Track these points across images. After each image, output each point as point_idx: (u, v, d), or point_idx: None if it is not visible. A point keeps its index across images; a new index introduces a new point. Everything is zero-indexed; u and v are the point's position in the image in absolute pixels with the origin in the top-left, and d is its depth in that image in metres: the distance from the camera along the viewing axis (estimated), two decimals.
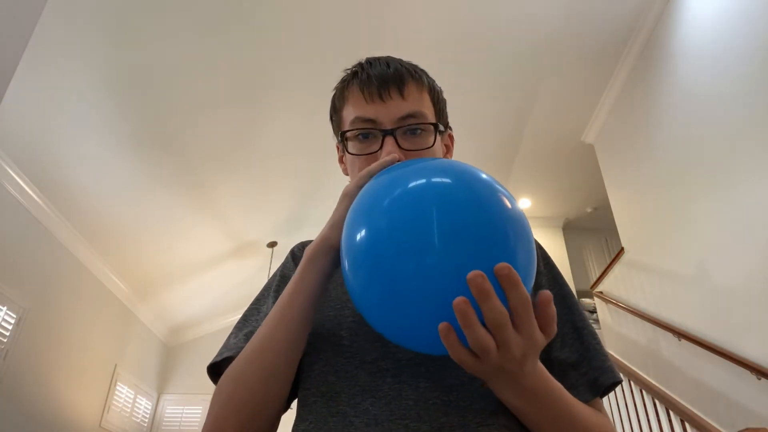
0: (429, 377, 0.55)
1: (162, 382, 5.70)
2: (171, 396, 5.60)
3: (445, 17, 3.40)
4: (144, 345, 5.33)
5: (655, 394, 3.17)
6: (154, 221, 4.28)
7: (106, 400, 4.45)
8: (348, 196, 0.57)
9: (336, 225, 0.56)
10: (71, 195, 3.69)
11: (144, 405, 5.23)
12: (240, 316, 0.71)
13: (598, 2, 3.48)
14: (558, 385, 0.52)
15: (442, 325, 0.41)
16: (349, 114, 0.67)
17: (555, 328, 0.44)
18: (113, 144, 3.51)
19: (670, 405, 3.00)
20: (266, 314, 0.64)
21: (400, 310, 0.46)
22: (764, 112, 2.63)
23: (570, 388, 0.56)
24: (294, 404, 0.64)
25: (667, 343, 3.48)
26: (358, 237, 0.49)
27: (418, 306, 0.45)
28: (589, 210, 6.22)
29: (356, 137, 0.66)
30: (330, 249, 0.57)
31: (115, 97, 3.24)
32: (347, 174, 0.73)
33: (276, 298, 0.67)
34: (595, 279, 5.05)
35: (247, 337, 0.62)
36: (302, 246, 0.76)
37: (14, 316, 3.31)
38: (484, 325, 0.41)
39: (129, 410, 4.88)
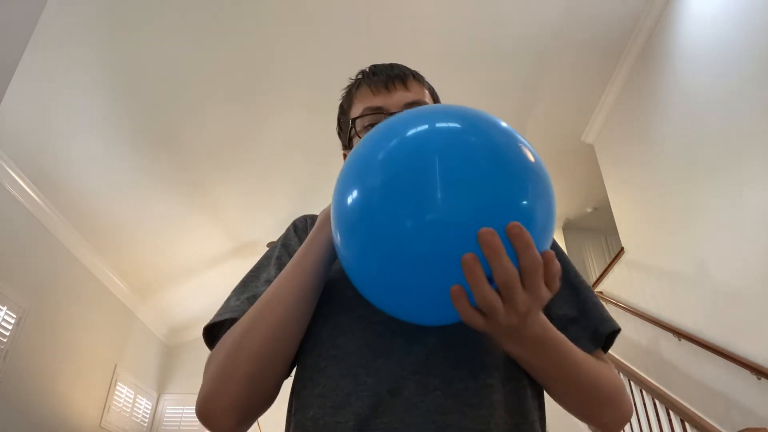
0: (437, 333, 0.56)
1: (162, 382, 5.70)
2: (171, 396, 5.60)
3: (445, 17, 3.40)
4: (144, 345, 5.32)
5: (655, 394, 3.16)
6: (155, 221, 4.27)
7: (106, 400, 4.45)
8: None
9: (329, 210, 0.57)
10: (71, 195, 3.69)
11: (144, 405, 5.23)
12: None
13: (599, 3, 3.48)
14: (560, 334, 0.52)
15: (455, 287, 0.40)
16: (356, 110, 0.71)
17: (558, 283, 0.44)
18: (113, 144, 3.51)
19: (670, 405, 2.99)
20: (267, 280, 0.64)
21: (400, 278, 0.42)
22: (764, 112, 2.63)
23: (572, 341, 0.57)
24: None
25: (667, 343, 3.48)
26: (349, 200, 0.44)
27: (420, 270, 0.41)
28: (589, 210, 6.22)
29: (365, 127, 0.68)
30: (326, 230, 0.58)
31: (116, 97, 3.24)
32: None
33: (278, 265, 0.67)
34: (595, 279, 5.05)
35: (250, 300, 0.61)
36: (304, 219, 0.77)
37: (14, 316, 3.31)
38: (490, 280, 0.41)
39: (129, 410, 4.88)
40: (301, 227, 0.76)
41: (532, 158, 0.43)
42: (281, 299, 0.56)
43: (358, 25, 3.31)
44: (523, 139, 0.44)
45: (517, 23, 3.54)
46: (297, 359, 0.61)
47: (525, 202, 0.41)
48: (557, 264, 0.43)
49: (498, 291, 0.41)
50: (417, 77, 0.72)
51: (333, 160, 4.21)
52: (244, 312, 0.58)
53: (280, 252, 0.70)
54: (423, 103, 0.68)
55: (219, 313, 0.61)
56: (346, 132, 0.73)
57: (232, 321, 0.59)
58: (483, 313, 0.43)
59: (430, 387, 0.53)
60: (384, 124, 0.48)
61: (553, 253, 0.42)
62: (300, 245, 0.70)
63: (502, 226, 0.39)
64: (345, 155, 0.76)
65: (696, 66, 3.21)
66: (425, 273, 0.41)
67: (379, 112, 0.67)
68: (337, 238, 0.47)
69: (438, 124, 0.44)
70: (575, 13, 3.50)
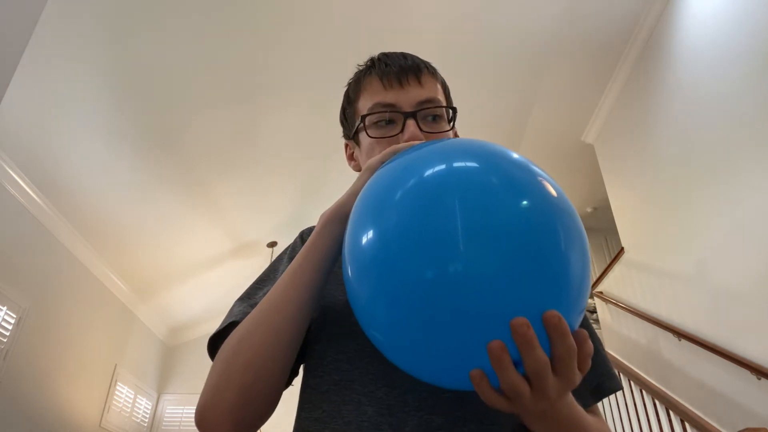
0: None
1: (162, 382, 5.70)
2: (171, 396, 5.60)
3: (446, 17, 3.40)
4: (144, 345, 5.32)
5: (655, 394, 3.16)
6: (155, 221, 4.27)
7: (106, 400, 4.45)
8: (370, 170, 0.54)
9: (354, 193, 0.54)
10: (71, 195, 3.69)
11: (144, 405, 5.23)
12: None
13: (599, 2, 3.48)
14: (581, 410, 0.50)
15: (475, 373, 0.37)
16: (366, 102, 0.66)
17: (590, 364, 0.41)
18: (113, 144, 3.51)
19: (670, 405, 3.00)
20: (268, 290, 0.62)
21: (410, 336, 0.38)
22: (764, 111, 2.63)
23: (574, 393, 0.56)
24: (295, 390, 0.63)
25: (667, 343, 3.48)
26: (364, 238, 0.40)
27: (434, 336, 0.37)
28: (589, 210, 6.22)
29: (375, 123, 0.65)
30: (345, 216, 0.54)
31: (115, 97, 3.24)
32: (359, 170, 0.71)
33: (281, 270, 0.66)
34: (595, 279, 5.05)
35: (253, 307, 0.60)
36: (311, 230, 0.74)
37: (14, 316, 3.31)
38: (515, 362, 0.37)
39: (129, 410, 4.88)
40: (305, 237, 0.74)
41: (557, 195, 0.39)
42: (278, 307, 0.54)
43: (358, 24, 3.30)
44: (546, 175, 0.40)
45: (517, 23, 3.54)
46: (302, 378, 0.60)
47: (558, 252, 0.37)
48: (590, 345, 0.40)
49: (526, 376, 0.38)
50: (430, 70, 0.68)
51: (333, 160, 4.21)
52: (245, 316, 0.58)
53: (286, 265, 0.68)
54: (436, 101, 0.65)
55: (224, 321, 0.61)
56: (352, 124, 0.70)
57: (234, 326, 0.58)
58: (508, 396, 0.39)
59: (433, 426, 0.51)
60: (401, 161, 0.45)
61: (586, 333, 0.39)
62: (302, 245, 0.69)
63: (533, 305, 0.35)
64: (347, 145, 0.74)
65: (696, 66, 3.21)
66: (440, 339, 0.37)
67: (392, 110, 0.64)
68: (348, 272, 0.43)
69: (458, 163, 0.41)
70: (575, 12, 3.50)
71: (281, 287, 0.56)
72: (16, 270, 3.36)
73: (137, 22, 2.91)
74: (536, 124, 4.61)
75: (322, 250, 0.56)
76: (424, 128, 0.63)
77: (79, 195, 3.72)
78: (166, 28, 3.00)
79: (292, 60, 3.41)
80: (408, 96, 0.64)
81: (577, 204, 6.12)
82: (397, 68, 0.65)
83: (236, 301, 0.65)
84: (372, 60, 0.70)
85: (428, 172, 0.40)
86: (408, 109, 0.63)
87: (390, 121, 0.64)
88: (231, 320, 0.59)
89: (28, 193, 3.43)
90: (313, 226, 0.73)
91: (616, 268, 4.42)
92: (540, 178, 0.40)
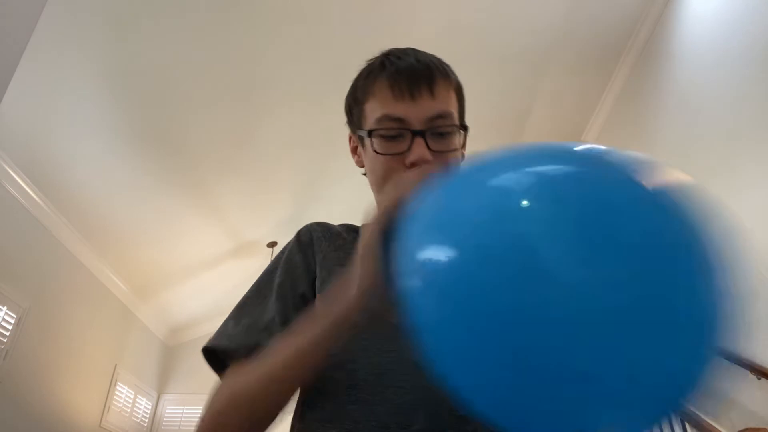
0: None
1: (162, 382, 5.70)
2: (171, 396, 5.60)
3: (445, 17, 3.40)
4: (144, 345, 5.32)
5: None
6: (154, 221, 4.27)
7: (106, 400, 4.45)
8: (370, 248, 0.47)
9: (365, 290, 0.47)
10: (71, 195, 3.69)
11: (144, 405, 5.23)
12: None
13: (599, 3, 3.48)
14: None
15: None
16: (374, 110, 0.62)
17: None
18: (113, 143, 3.51)
19: None
20: (266, 324, 0.60)
21: (488, 370, 0.31)
22: (765, 112, 2.63)
23: None
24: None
25: None
26: (444, 255, 0.33)
27: (538, 370, 0.29)
28: None
29: (382, 136, 0.61)
30: (357, 319, 0.49)
31: (115, 97, 3.24)
32: (361, 166, 0.69)
33: (280, 297, 0.62)
34: None
35: (247, 330, 0.60)
36: (308, 230, 0.71)
37: (14, 316, 3.30)
38: None
39: (129, 410, 4.88)
40: (306, 241, 0.69)
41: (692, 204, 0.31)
42: (262, 399, 0.53)
43: (357, 24, 3.31)
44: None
45: (517, 23, 3.54)
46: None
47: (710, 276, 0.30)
48: None
49: None
50: (443, 73, 0.64)
51: (333, 160, 4.21)
52: (240, 344, 0.57)
53: (282, 278, 0.65)
54: (448, 115, 0.61)
55: (217, 337, 0.60)
56: (358, 124, 0.66)
57: (229, 352, 0.58)
58: None
59: (441, 423, 0.51)
60: (482, 167, 0.38)
61: None
62: (304, 265, 0.65)
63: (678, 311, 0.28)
64: (350, 138, 0.71)
65: (696, 66, 3.21)
66: (546, 372, 0.29)
67: (401, 126, 0.60)
68: (411, 284, 0.36)
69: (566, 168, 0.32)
70: (575, 13, 3.50)
71: (286, 361, 0.51)
72: (16, 270, 3.36)
73: (137, 22, 2.91)
74: (536, 125, 4.61)
75: (337, 339, 0.50)
76: (433, 146, 0.60)
77: (79, 195, 3.72)
78: (165, 27, 3.00)
79: (293, 59, 3.41)
80: (418, 110, 0.60)
81: None
82: (408, 74, 0.61)
83: (232, 314, 0.64)
84: (383, 58, 0.65)
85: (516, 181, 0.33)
86: (417, 126, 0.60)
87: (398, 135, 0.60)
88: (225, 342, 0.59)
89: (28, 193, 3.43)
90: (312, 226, 0.71)
91: None
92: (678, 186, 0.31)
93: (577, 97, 4.36)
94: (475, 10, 3.39)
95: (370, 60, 0.68)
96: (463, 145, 0.66)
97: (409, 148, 0.59)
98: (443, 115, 0.61)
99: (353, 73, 0.72)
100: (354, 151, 0.71)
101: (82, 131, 3.34)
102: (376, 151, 0.61)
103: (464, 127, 0.65)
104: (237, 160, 4.05)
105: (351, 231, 0.71)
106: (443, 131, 0.61)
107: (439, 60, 0.67)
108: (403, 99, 0.60)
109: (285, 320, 0.59)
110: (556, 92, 4.27)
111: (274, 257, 0.72)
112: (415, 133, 0.59)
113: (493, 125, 4.58)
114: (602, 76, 4.16)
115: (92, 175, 3.64)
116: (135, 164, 3.72)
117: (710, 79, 3.07)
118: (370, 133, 0.62)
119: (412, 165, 0.59)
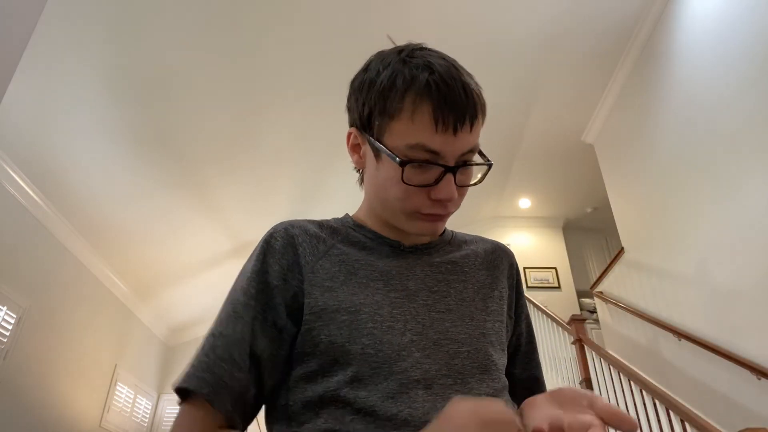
0: (459, 390, 0.55)
1: (162, 382, 5.70)
2: (171, 396, 5.60)
3: (446, 17, 3.40)
4: (144, 345, 5.33)
5: (655, 394, 3.16)
6: (154, 221, 4.28)
7: (106, 400, 4.45)
8: None
9: None
10: (71, 195, 3.69)
11: (144, 405, 5.23)
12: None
13: (599, 3, 3.48)
14: None
15: None
16: (407, 133, 0.56)
17: None
18: (113, 144, 3.51)
19: (670, 405, 2.99)
20: (232, 359, 0.55)
21: None
22: (765, 112, 2.63)
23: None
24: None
25: (667, 343, 3.48)
26: None
27: None
28: (589, 210, 6.22)
29: (412, 167, 0.57)
30: None
31: (115, 97, 3.24)
32: (361, 166, 0.66)
33: (250, 327, 0.57)
34: (595, 279, 5.05)
35: (219, 362, 0.55)
36: (283, 235, 0.63)
37: (14, 316, 3.31)
38: None
39: (129, 410, 4.88)
40: (280, 249, 0.62)
41: None
42: None
43: (357, 25, 3.31)
44: None
45: (518, 23, 3.54)
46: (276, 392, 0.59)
47: None
48: None
49: None
50: (483, 108, 0.60)
51: (333, 160, 4.21)
52: (201, 387, 0.53)
53: (255, 310, 0.58)
54: (476, 148, 0.59)
55: (185, 375, 0.55)
56: (378, 134, 0.59)
57: (196, 387, 0.53)
58: None
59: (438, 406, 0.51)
60: None
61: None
62: (279, 276, 0.60)
63: None
64: (351, 134, 0.65)
65: (696, 66, 3.21)
66: None
67: (435, 161, 0.56)
68: None
69: None
70: (575, 13, 3.50)
71: None
72: (16, 270, 3.36)
73: (137, 23, 2.91)
74: (536, 125, 4.62)
75: None
76: (459, 180, 0.58)
77: (79, 195, 3.72)
78: (166, 30, 3.00)
79: (293, 61, 3.42)
80: (455, 147, 0.56)
81: (577, 204, 6.12)
82: (455, 108, 0.55)
83: (206, 338, 0.58)
84: (427, 74, 0.57)
85: None
86: (451, 161, 0.57)
87: (426, 163, 0.57)
88: (194, 385, 0.53)
89: (28, 193, 3.43)
90: (285, 225, 0.64)
91: (616, 268, 4.41)
92: None
93: (577, 97, 4.36)
94: (476, 11, 3.39)
95: (399, 57, 0.60)
96: (483, 179, 0.63)
97: (436, 182, 0.57)
98: (473, 149, 0.59)
99: (353, 74, 0.67)
100: (354, 150, 0.65)
101: (83, 131, 3.34)
102: (405, 181, 0.57)
103: (489, 165, 0.62)
104: (237, 161, 4.05)
105: (325, 228, 0.66)
106: (471, 164, 0.60)
107: (479, 88, 0.60)
108: (445, 133, 0.56)
109: (255, 353, 0.56)
110: (556, 92, 4.27)
111: (247, 262, 0.64)
112: (447, 170, 0.57)
113: (493, 125, 4.57)
114: (602, 76, 4.16)
115: (92, 175, 3.64)
116: (135, 165, 3.72)
117: (710, 78, 3.07)
118: (402, 163, 0.56)
119: (437, 200, 0.57)
